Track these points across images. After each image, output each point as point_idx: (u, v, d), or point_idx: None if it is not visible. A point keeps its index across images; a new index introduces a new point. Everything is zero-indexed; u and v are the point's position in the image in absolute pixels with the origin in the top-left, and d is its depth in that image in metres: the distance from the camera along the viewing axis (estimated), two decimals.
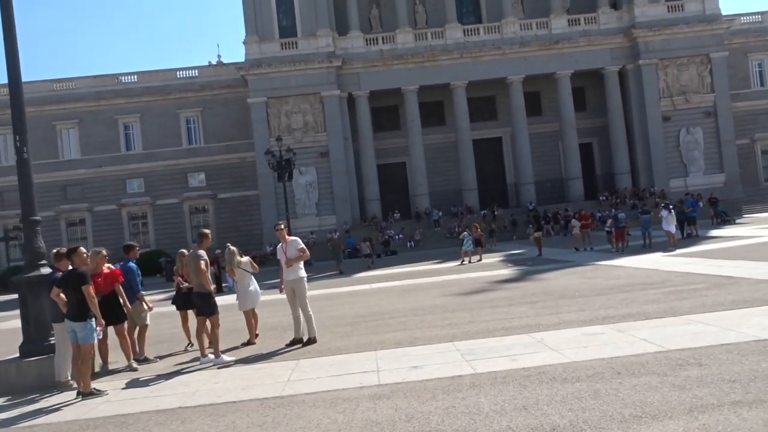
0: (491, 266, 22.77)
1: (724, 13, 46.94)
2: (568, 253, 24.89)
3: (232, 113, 48.54)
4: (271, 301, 15.14)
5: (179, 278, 10.71)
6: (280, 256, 9.98)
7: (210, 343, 9.18)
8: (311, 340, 9.66)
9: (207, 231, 9.68)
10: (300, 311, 9.83)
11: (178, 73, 49.38)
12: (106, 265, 9.46)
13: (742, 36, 49.25)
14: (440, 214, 44.45)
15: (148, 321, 10.10)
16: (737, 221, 33.17)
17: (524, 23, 47.45)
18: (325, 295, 17.33)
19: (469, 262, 25.74)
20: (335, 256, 28.91)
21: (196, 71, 49.42)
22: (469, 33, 47.24)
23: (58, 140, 47.60)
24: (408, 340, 9.19)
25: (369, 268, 28.53)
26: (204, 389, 7.36)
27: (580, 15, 47.57)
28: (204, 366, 8.88)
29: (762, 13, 50.24)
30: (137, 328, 9.88)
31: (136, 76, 49.01)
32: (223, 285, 23.67)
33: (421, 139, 46.79)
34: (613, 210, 27.75)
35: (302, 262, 9.87)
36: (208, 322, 9.26)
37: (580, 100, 49.66)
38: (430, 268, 24.93)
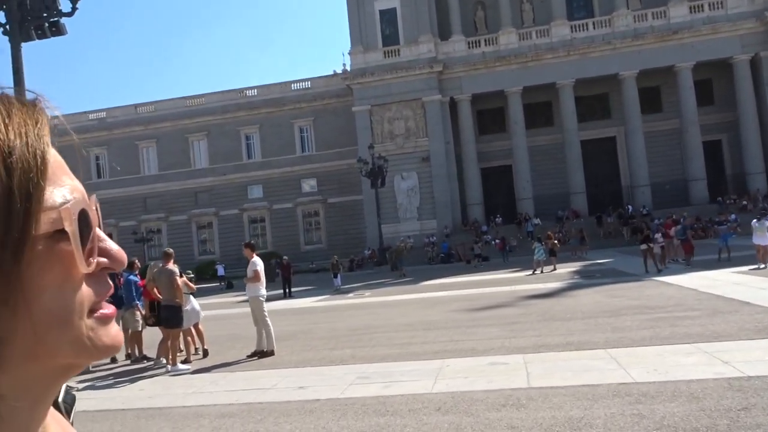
0: (555, 277, 22.06)
1: None
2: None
3: (341, 121, 50.70)
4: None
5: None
6: None
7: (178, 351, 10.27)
8: (267, 353, 10.45)
9: (171, 250, 10.76)
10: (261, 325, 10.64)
11: (293, 85, 52.60)
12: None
13: None
14: (537, 221, 42.59)
15: (140, 328, 11.46)
16: None
17: (638, 14, 44.38)
18: (355, 305, 18.04)
19: (541, 272, 25.01)
20: (399, 263, 29.47)
21: (309, 83, 52.27)
22: (577, 29, 45.16)
23: (191, 151, 52.91)
24: (344, 357, 9.66)
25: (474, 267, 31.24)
26: (138, 395, 8.44)
27: (703, 1, 43.47)
28: (175, 372, 9.96)
29: None
30: (129, 332, 11.31)
31: (256, 90, 53.01)
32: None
33: (525, 142, 45.62)
34: (681, 220, 25.34)
35: (261, 282, 10.61)
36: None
37: (708, 93, 45.47)
38: (496, 278, 24.61)
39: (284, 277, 24.25)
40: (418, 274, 30.40)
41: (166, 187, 52.86)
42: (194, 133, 52.72)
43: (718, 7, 43.00)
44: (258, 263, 10.59)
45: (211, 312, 19.56)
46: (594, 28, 44.99)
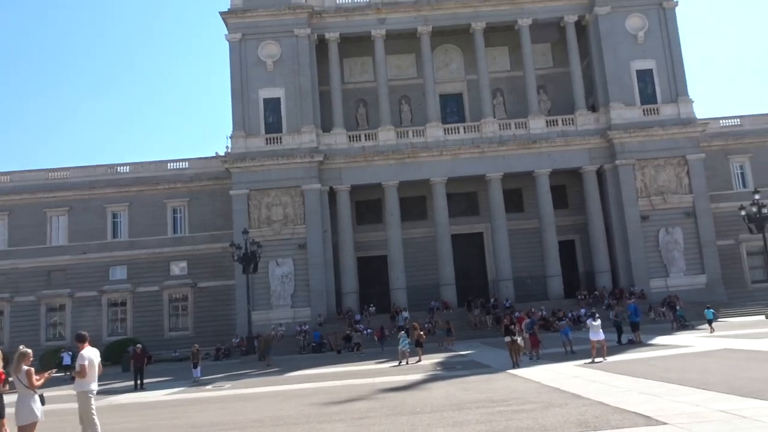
0: (418, 369, 22.37)
1: (702, 116, 47.81)
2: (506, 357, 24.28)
3: (217, 204, 49.73)
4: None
5: None
6: None
7: None
8: None
9: None
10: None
11: (169, 164, 51.31)
12: None
13: (722, 139, 49.61)
14: (407, 315, 43.06)
15: None
16: (696, 326, 32.08)
17: (503, 123, 48.69)
18: (208, 398, 17.10)
19: (406, 363, 25.27)
20: (267, 352, 28.68)
21: (186, 163, 51.28)
22: (450, 132, 48.53)
23: (48, 227, 49.12)
24: None
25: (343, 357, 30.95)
26: None
27: (558, 116, 48.78)
28: None
29: (740, 117, 50.84)
30: None
31: (128, 167, 51.04)
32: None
33: (399, 233, 47.12)
34: (530, 317, 27.20)
35: (90, 376, 9.82)
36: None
37: (562, 197, 50.02)
38: (362, 369, 24.50)
39: (136, 367, 22.56)
40: (286, 364, 29.55)
41: (13, 265, 48.26)
42: (54, 208, 49.22)
43: (570, 123, 48.31)
44: (86, 356, 9.80)
45: (48, 407, 17.62)
46: (465, 132, 48.59)
